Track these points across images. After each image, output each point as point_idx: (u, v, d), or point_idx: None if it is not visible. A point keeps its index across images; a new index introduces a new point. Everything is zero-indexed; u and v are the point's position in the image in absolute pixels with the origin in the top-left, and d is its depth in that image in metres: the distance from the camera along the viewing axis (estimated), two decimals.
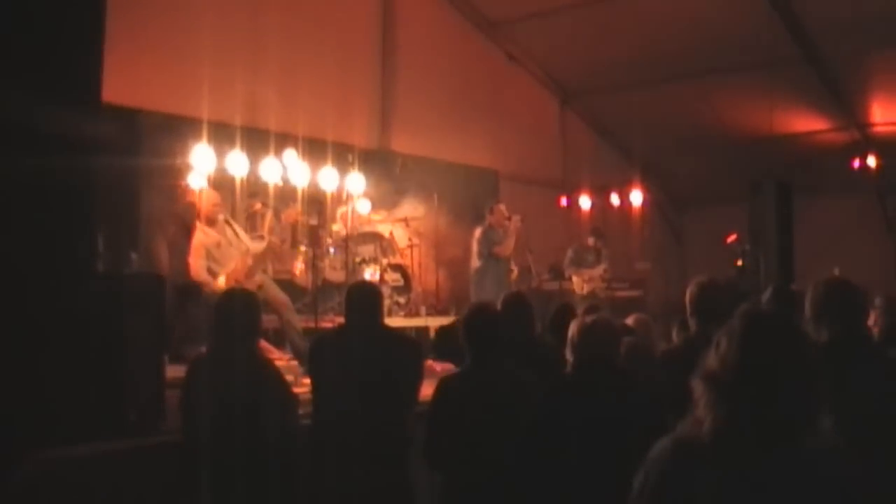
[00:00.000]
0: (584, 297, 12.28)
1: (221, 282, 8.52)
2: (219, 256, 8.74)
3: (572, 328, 4.38)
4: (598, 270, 12.95)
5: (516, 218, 11.27)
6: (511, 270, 11.62)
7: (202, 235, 8.75)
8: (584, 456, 3.95)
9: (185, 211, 9.72)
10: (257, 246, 9.13)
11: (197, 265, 8.65)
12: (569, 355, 4.37)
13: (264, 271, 9.17)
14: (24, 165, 4.97)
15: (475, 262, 11.12)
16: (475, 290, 11.01)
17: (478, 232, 11.20)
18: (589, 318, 4.44)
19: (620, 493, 2.42)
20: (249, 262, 8.77)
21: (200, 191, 9.37)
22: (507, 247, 11.16)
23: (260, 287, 8.60)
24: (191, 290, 9.34)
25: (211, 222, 8.85)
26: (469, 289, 11.26)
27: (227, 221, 9.04)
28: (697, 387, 2.27)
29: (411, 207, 12.19)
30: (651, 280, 14.79)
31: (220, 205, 9.03)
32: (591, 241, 13.26)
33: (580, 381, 4.27)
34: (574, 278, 12.97)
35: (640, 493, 2.31)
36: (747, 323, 2.29)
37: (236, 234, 9.00)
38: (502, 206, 11.36)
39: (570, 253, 13.15)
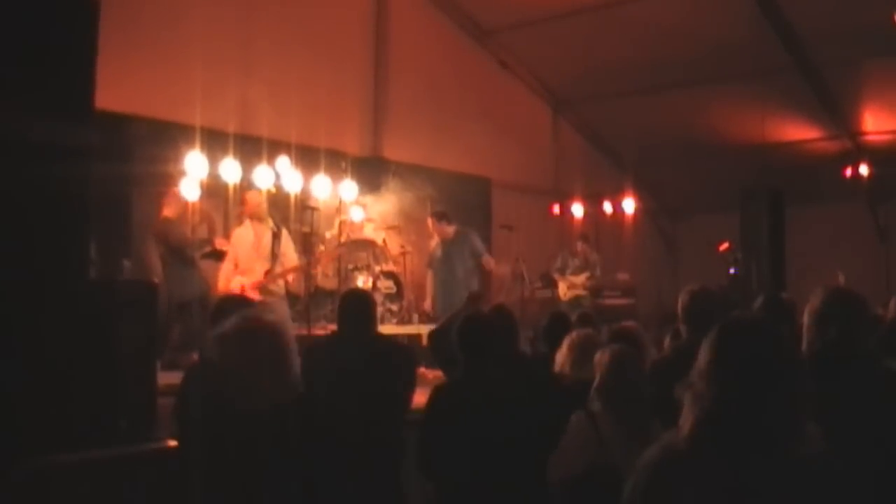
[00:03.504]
0: (568, 304, 12.26)
1: (237, 283, 8.63)
2: (242, 258, 8.95)
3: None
4: (581, 278, 13.00)
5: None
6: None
7: (242, 235, 9.10)
8: None
9: (165, 227, 9.72)
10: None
11: (225, 273, 8.97)
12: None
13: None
14: (16, 173, 4.96)
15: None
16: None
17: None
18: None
19: None
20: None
21: (250, 194, 9.58)
22: None
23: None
24: (188, 303, 9.36)
25: (259, 219, 9.14)
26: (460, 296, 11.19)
27: (275, 232, 9.18)
28: (684, 396, 2.29)
29: (383, 208, 12.13)
30: (643, 288, 14.80)
31: (262, 204, 9.28)
32: (579, 246, 13.32)
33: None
34: (560, 284, 13.10)
35: (628, 498, 2.32)
36: (723, 332, 2.30)
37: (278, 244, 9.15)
38: (429, 221, 11.31)
39: (558, 259, 13.28)
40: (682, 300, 4.85)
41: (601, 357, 4.38)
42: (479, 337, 4.79)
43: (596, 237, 15.61)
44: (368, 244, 11.35)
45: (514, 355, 5.58)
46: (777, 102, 14.13)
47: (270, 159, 10.46)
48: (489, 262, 10.95)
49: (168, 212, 9.63)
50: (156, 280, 9.10)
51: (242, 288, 8.64)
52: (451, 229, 10.99)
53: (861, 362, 3.63)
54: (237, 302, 5.35)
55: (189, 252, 9.63)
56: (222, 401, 3.36)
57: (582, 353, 5.20)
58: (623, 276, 14.49)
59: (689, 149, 15.81)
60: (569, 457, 4.13)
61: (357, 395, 4.98)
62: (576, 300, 12.73)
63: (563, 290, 13.04)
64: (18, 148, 5.02)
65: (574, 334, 5.54)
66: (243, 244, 8.98)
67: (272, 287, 8.90)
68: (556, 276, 13.19)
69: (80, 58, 5.61)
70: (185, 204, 9.73)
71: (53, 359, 5.15)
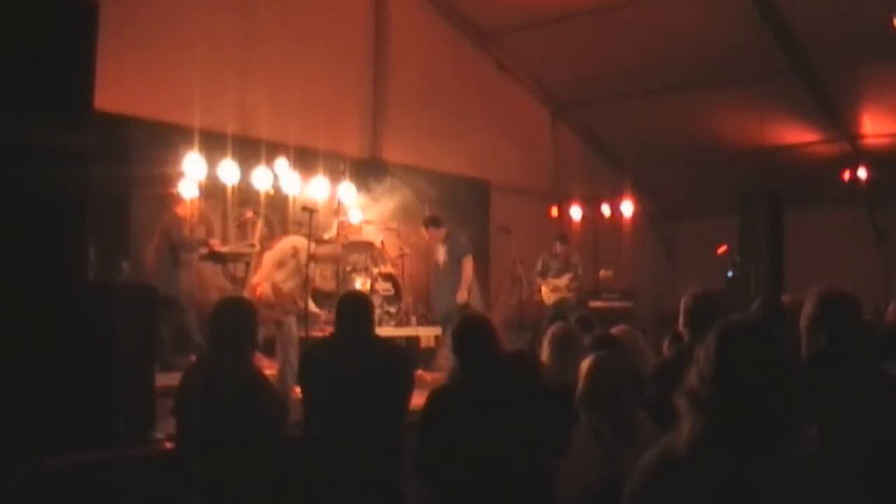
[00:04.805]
0: (553, 308, 12.06)
1: (267, 289, 8.73)
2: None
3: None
4: (564, 280, 12.68)
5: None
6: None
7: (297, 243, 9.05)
8: None
9: (171, 223, 9.71)
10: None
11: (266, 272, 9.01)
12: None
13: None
14: (16, 176, 4.96)
15: None
16: None
17: None
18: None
19: None
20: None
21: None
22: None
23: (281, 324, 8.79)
24: (171, 298, 9.35)
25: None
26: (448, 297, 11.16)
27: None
28: (680, 401, 2.28)
29: (382, 210, 12.11)
30: (641, 291, 14.78)
31: None
32: (557, 247, 13.00)
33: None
34: (542, 288, 12.76)
35: (626, 502, 2.32)
36: (720, 336, 2.29)
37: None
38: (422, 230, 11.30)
39: (538, 262, 12.92)
40: (684, 303, 4.82)
41: (584, 365, 4.37)
42: (474, 339, 4.77)
43: (594, 240, 15.61)
44: (367, 246, 11.34)
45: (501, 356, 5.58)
46: (776, 105, 14.14)
47: (269, 161, 10.46)
48: (468, 264, 10.88)
49: (181, 210, 9.70)
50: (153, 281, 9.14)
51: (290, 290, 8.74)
52: (441, 232, 10.98)
53: (853, 364, 3.64)
54: (235, 303, 5.34)
55: (180, 253, 9.65)
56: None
57: (561, 346, 5.28)
58: (605, 274, 14.41)
59: (688, 152, 15.80)
60: (577, 472, 4.09)
61: (355, 398, 4.98)
62: (560, 303, 12.41)
63: (546, 293, 12.72)
64: (17, 150, 5.02)
65: (554, 327, 5.56)
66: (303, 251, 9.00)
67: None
68: (539, 279, 12.78)
69: (79, 60, 5.62)
70: (191, 205, 9.81)
71: (52, 360, 5.15)
